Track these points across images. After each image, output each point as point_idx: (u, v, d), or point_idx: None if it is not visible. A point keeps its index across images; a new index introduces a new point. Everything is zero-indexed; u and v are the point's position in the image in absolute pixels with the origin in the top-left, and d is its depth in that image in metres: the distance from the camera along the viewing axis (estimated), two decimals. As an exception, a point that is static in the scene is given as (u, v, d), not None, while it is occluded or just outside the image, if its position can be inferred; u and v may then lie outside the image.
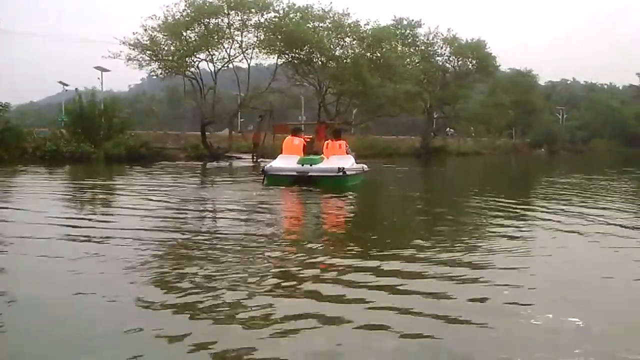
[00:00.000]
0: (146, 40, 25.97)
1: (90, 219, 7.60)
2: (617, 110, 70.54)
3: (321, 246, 5.77)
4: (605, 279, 4.57)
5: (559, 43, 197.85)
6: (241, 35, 27.86)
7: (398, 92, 31.36)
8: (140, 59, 26.10)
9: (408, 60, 36.71)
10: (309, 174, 12.47)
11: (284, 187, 11.89)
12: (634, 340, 3.27)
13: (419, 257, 5.12)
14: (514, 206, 9.40)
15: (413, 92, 33.23)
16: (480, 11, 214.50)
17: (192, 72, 27.43)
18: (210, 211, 8.98)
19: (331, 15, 29.67)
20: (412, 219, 8.71)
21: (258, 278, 4.30)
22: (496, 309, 3.66)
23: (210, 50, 27.06)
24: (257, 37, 28.12)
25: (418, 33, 38.76)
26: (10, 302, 3.73)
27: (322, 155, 13.71)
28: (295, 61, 29.68)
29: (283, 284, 4.20)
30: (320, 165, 12.85)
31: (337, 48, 30.07)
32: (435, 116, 43.62)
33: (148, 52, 25.95)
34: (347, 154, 13.93)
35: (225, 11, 26.88)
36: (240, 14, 27.23)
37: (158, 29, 26.09)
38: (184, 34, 26.36)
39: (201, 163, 23.97)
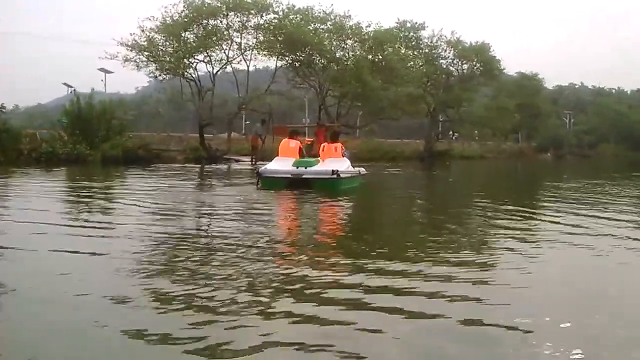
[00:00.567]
0: (144, 42, 25.74)
1: (76, 222, 7.54)
2: (625, 115, 70.11)
3: (315, 251, 5.74)
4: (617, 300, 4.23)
5: (561, 47, 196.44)
6: (240, 37, 27.62)
7: (399, 94, 30.99)
8: (138, 60, 25.84)
9: (412, 63, 36.47)
10: (303, 176, 12.53)
11: (277, 190, 11.89)
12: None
13: (419, 264, 5.04)
14: (517, 213, 9.16)
15: (415, 95, 32.86)
16: (482, 15, 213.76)
17: (190, 73, 27.16)
18: (201, 215, 8.74)
19: (332, 17, 29.39)
20: (409, 223, 8.63)
21: (253, 281, 4.33)
22: (493, 334, 3.33)
23: (208, 51, 26.77)
24: (256, 38, 27.84)
25: (422, 36, 38.31)
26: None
27: (317, 158, 13.68)
28: (296, 63, 29.41)
29: (281, 290, 4.17)
30: (315, 168, 12.91)
31: (338, 50, 29.73)
32: (440, 119, 43.34)
33: (145, 53, 25.67)
34: (343, 156, 13.82)
35: (224, 12, 26.61)
36: (239, 15, 26.97)
37: (156, 30, 25.86)
38: (183, 35, 26.10)
39: (199, 165, 23.74)
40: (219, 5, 26.49)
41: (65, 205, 9.84)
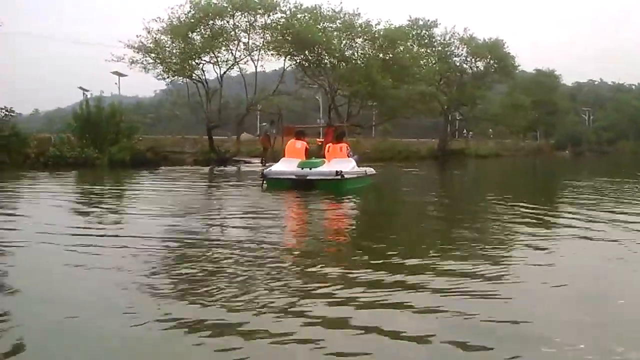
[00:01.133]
0: (150, 43, 25.61)
1: (81, 225, 7.53)
2: (643, 111, 68.91)
3: (325, 254, 5.72)
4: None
5: (564, 48, 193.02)
6: (248, 37, 27.36)
7: (411, 93, 30.55)
8: (145, 62, 25.73)
9: (425, 61, 36.05)
10: (308, 177, 12.52)
11: (282, 191, 11.90)
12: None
13: (434, 268, 4.97)
14: (534, 213, 8.90)
15: (427, 93, 32.37)
16: (496, 10, 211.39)
17: (197, 75, 26.97)
18: (208, 219, 8.53)
19: (341, 16, 29.04)
20: (420, 224, 8.57)
21: (261, 285, 4.31)
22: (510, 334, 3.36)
23: (215, 52, 26.56)
24: (263, 38, 27.58)
25: (434, 33, 37.80)
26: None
27: (323, 159, 13.68)
28: (304, 63, 29.11)
29: (291, 294, 4.13)
30: (319, 169, 12.88)
31: (348, 49, 29.36)
32: (456, 117, 42.81)
33: (152, 55, 25.54)
34: (349, 156, 13.75)
35: (231, 12, 26.38)
36: (246, 15, 26.73)
37: (162, 31, 25.74)
38: (190, 35, 25.92)
39: (208, 167, 23.54)
40: (225, 5, 26.21)
41: (63, 210, 9.61)
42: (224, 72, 27.58)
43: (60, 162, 21.33)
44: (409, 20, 36.86)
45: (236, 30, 26.94)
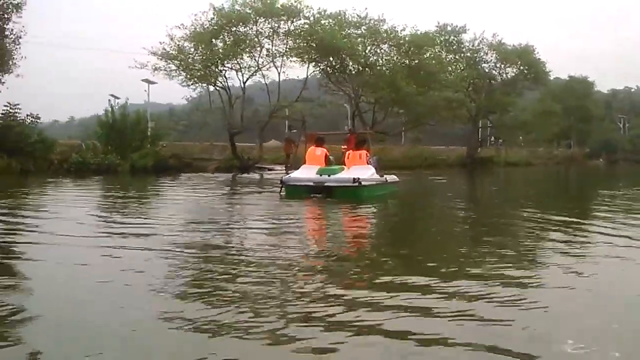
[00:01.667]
0: (173, 50, 25.67)
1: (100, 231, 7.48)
2: (683, 118, 66.86)
3: (350, 265, 5.53)
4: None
5: (564, 45, 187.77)
6: (271, 44, 27.22)
7: (436, 99, 30.06)
8: (167, 69, 25.81)
9: (453, 67, 35.54)
10: (325, 184, 12.54)
11: (300, 198, 11.98)
12: None
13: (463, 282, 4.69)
14: (565, 225, 8.44)
15: (452, 100, 31.80)
16: (527, 17, 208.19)
17: (220, 82, 26.94)
18: (229, 226, 8.40)
19: (367, 22, 28.75)
20: (441, 234, 8.33)
21: (285, 295, 4.24)
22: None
23: (237, 58, 26.51)
24: (286, 44, 27.41)
25: (463, 39, 37.19)
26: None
27: (342, 166, 13.57)
28: (328, 69, 28.88)
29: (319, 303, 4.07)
30: (337, 176, 12.80)
31: (373, 55, 29.02)
32: (482, 125, 42.01)
33: (175, 61, 25.60)
34: (368, 164, 13.59)
35: (254, 18, 26.32)
36: (270, 22, 26.64)
37: (185, 38, 25.80)
38: (213, 41, 25.92)
39: (230, 175, 23.43)
40: (248, 11, 26.16)
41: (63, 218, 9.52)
42: (247, 79, 27.51)
43: (83, 168, 21.52)
44: (437, 26, 36.36)
45: (259, 37, 26.80)
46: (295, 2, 26.51)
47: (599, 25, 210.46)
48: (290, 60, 27.47)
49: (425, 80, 29.09)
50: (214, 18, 25.98)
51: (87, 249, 6.03)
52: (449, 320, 3.62)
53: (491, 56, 38.41)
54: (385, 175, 14.31)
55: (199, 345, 3.21)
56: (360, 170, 13.06)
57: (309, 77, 29.18)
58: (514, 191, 19.85)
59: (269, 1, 26.01)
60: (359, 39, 28.43)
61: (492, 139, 45.08)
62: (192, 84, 26.37)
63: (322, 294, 4.24)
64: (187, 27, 26.00)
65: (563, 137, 55.33)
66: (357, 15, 28.80)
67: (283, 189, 12.87)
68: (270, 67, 27.40)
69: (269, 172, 24.95)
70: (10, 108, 22.57)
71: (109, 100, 24.89)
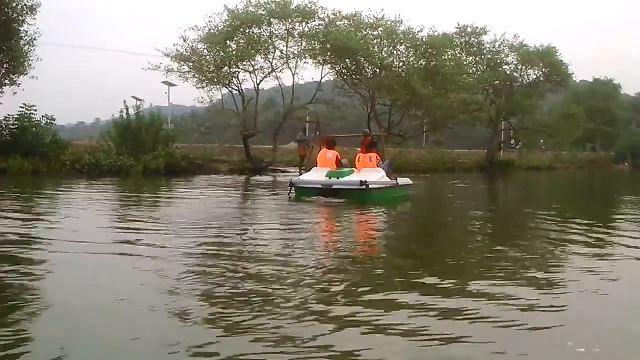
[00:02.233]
0: (187, 52, 25.58)
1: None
2: None
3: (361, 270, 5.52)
4: None
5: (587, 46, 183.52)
6: (286, 45, 26.97)
7: (453, 102, 29.55)
8: (181, 71, 25.74)
9: (473, 69, 34.98)
10: (333, 187, 12.71)
11: (309, 200, 12.35)
12: None
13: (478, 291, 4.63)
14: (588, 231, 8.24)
15: (470, 102, 31.22)
16: (550, 18, 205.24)
17: (234, 84, 26.76)
18: (243, 227, 8.56)
19: (383, 23, 28.37)
20: (455, 240, 8.20)
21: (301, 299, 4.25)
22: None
23: (251, 60, 26.30)
24: (299, 46, 27.16)
25: (483, 41, 36.51)
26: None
27: (352, 169, 13.67)
28: (344, 70, 28.54)
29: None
30: (345, 179, 12.98)
31: (389, 57, 28.60)
32: (503, 128, 41.24)
33: (189, 63, 25.50)
34: (378, 167, 13.61)
35: (268, 20, 26.10)
36: (285, 23, 26.40)
37: (199, 40, 25.70)
38: (228, 43, 25.76)
39: (243, 177, 23.24)
40: (262, 12, 25.95)
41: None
42: (261, 81, 27.31)
43: (95, 170, 21.51)
44: (457, 28, 35.75)
45: (273, 38, 26.58)
46: (309, 3, 26.31)
47: (627, 25, 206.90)
48: (304, 62, 27.18)
49: (443, 83, 28.57)
50: (228, 20, 25.82)
51: (95, 253, 6.06)
52: (469, 323, 3.65)
53: (512, 58, 37.67)
54: (398, 179, 14.25)
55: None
56: (369, 173, 13.09)
57: (324, 79, 28.93)
58: (534, 196, 19.29)
59: (282, 3, 25.77)
60: (375, 41, 28.01)
61: (512, 142, 44.19)
62: (205, 85, 26.13)
63: (339, 294, 4.36)
64: (200, 28, 26.01)
65: (587, 141, 54.22)
66: (374, 17, 28.49)
67: (292, 190, 13.06)
68: (284, 69, 27.16)
69: (283, 174, 24.76)
70: (26, 109, 22.69)
71: (124, 101, 24.73)
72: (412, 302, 4.12)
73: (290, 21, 26.32)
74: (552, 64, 36.93)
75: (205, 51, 25.82)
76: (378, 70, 28.27)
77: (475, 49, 36.22)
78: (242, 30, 25.93)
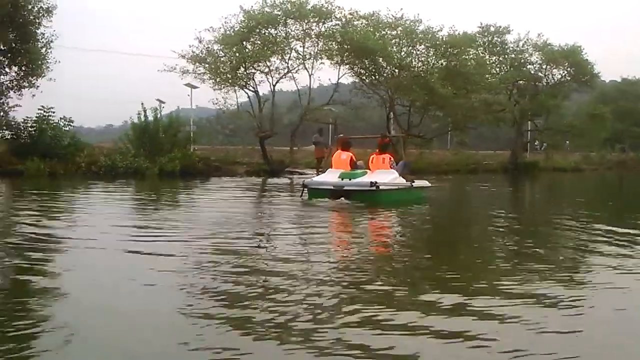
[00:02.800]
0: (202, 53, 25.45)
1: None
2: None
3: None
4: None
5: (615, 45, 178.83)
6: (303, 46, 26.66)
7: (473, 102, 28.94)
8: (196, 72, 25.61)
9: (497, 69, 34.32)
10: (344, 188, 12.75)
11: (320, 200, 12.51)
12: None
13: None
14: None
15: (491, 102, 30.55)
16: (574, 16, 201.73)
17: (250, 85, 26.55)
18: (250, 230, 8.56)
19: (402, 23, 27.92)
20: (475, 245, 8.04)
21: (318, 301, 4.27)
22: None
23: (266, 61, 26.06)
24: (316, 46, 26.80)
25: (506, 40, 35.77)
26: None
27: (366, 170, 13.61)
28: (362, 70, 28.14)
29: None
30: (355, 180, 13.00)
31: (407, 56, 28.10)
32: (529, 129, 40.35)
33: (204, 64, 25.37)
34: (391, 167, 13.72)
35: (283, 20, 25.84)
36: (302, 24, 26.12)
37: (214, 41, 25.53)
38: (244, 44, 25.55)
39: (260, 179, 23.05)
40: (277, 13, 25.69)
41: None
42: (277, 82, 27.01)
43: (111, 171, 21.51)
44: (480, 27, 35.07)
45: (289, 39, 26.30)
46: (326, 3, 25.98)
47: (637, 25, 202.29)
48: (320, 63, 26.83)
49: (463, 82, 27.99)
50: (244, 20, 25.63)
51: (112, 254, 6.20)
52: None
53: (536, 57, 36.83)
54: (415, 180, 14.23)
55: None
56: (381, 174, 13.11)
57: (341, 80, 28.51)
58: (560, 199, 18.60)
59: (298, 3, 25.52)
60: (394, 40, 27.57)
61: (536, 143, 43.25)
62: (222, 87, 25.94)
63: (364, 293, 4.42)
64: (215, 29, 25.83)
65: (616, 141, 52.97)
66: (392, 16, 28.03)
67: (305, 192, 13.29)
68: (299, 69, 26.82)
69: (300, 176, 24.48)
70: (44, 111, 22.82)
71: (142, 103, 24.69)
72: (443, 303, 4.20)
73: (306, 21, 25.97)
74: (577, 63, 36.00)
75: (221, 52, 25.60)
76: (397, 71, 27.76)
77: (498, 48, 35.49)
78: (257, 30, 25.67)
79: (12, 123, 22.96)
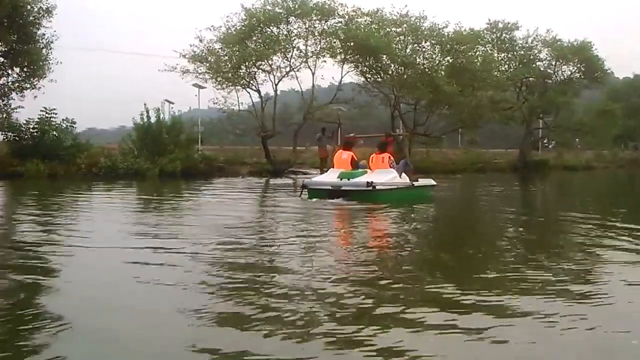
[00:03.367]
0: (203, 52, 25.22)
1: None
2: None
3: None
4: None
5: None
6: (306, 44, 26.34)
7: (479, 99, 28.48)
8: (197, 72, 25.41)
9: (505, 66, 33.83)
10: (342, 188, 12.82)
11: (319, 200, 12.39)
12: None
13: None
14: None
15: (497, 100, 30.06)
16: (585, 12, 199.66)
17: (252, 84, 26.25)
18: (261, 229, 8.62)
19: (407, 19, 27.54)
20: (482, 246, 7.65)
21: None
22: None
23: (268, 60, 25.77)
24: (319, 43, 26.45)
25: (515, 36, 35.21)
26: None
27: (365, 169, 13.68)
28: (365, 68, 27.77)
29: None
30: (354, 180, 13.00)
31: (412, 54, 27.69)
32: (540, 127, 39.78)
33: (205, 64, 25.15)
34: (391, 167, 13.56)
35: (285, 18, 25.56)
36: (305, 21, 25.81)
37: (216, 40, 25.34)
38: (246, 42, 25.29)
39: (263, 179, 22.76)
40: (279, 10, 25.41)
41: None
42: (279, 80, 26.70)
43: (112, 173, 21.33)
44: (488, 23, 34.55)
45: (291, 37, 26.00)
46: (328, 0, 25.64)
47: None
48: (323, 61, 26.48)
49: (470, 80, 27.54)
50: (245, 19, 25.36)
51: (114, 255, 6.13)
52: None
53: (545, 54, 36.24)
54: (419, 179, 14.27)
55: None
56: (379, 174, 13.07)
57: (344, 80, 28.17)
58: (566, 198, 18.10)
59: (299, 0, 25.27)
60: (399, 37, 27.20)
61: (545, 141, 42.67)
62: (224, 87, 25.68)
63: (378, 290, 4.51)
64: (217, 28, 25.59)
65: (628, 139, 52.24)
66: (397, 13, 27.66)
67: (304, 191, 13.33)
68: (302, 67, 26.49)
69: (303, 176, 24.16)
70: (47, 112, 22.69)
71: (144, 104, 24.49)
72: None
73: (309, 19, 25.67)
74: (587, 59, 35.44)
75: (222, 51, 25.36)
76: (402, 68, 27.35)
77: (507, 45, 34.95)
78: (259, 29, 25.41)
79: (15, 124, 22.84)
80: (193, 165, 23.38)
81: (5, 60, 22.46)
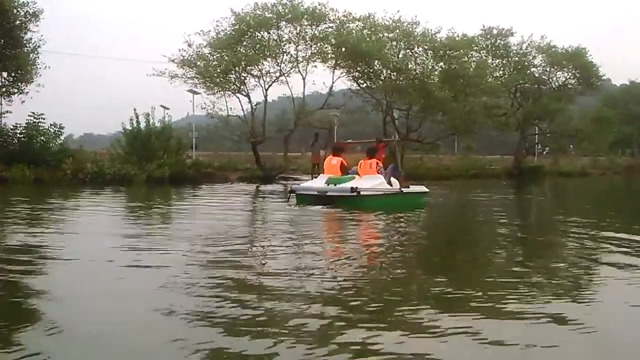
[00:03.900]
0: (192, 57, 24.99)
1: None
2: None
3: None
4: None
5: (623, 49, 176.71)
6: (296, 49, 26.15)
7: (472, 105, 28.27)
8: (185, 77, 25.16)
9: (500, 72, 33.68)
10: (327, 193, 12.73)
11: (306, 206, 12.25)
12: None
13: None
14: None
15: (490, 106, 29.84)
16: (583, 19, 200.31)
17: (242, 89, 26.00)
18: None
19: (399, 25, 27.35)
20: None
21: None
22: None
23: (259, 65, 25.54)
24: (309, 48, 26.30)
25: (509, 43, 35.05)
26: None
27: (354, 175, 13.54)
28: (357, 74, 27.56)
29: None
30: (340, 185, 12.91)
31: (405, 59, 27.48)
32: (536, 133, 39.58)
33: (195, 68, 24.91)
34: (379, 172, 13.41)
35: (276, 23, 25.35)
36: (297, 26, 25.60)
37: (205, 45, 25.13)
38: (236, 47, 25.05)
39: (253, 185, 22.43)
40: (269, 15, 25.20)
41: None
42: (269, 86, 26.49)
43: (98, 178, 21.02)
44: (482, 29, 34.39)
45: (281, 42, 25.78)
46: (319, 5, 25.50)
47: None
48: (314, 66, 26.27)
49: (462, 86, 27.33)
50: (235, 23, 25.14)
51: (102, 262, 6.02)
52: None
53: (540, 60, 36.10)
54: (411, 186, 14.09)
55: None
56: (366, 180, 12.96)
57: (335, 86, 27.97)
58: (567, 206, 17.77)
59: (289, 4, 25.05)
60: (391, 43, 27.03)
61: (539, 147, 42.50)
62: (215, 92, 25.44)
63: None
64: (206, 33, 25.36)
65: (625, 146, 52.16)
66: (390, 18, 27.49)
67: (291, 197, 13.27)
68: (292, 72, 26.28)
69: (294, 182, 23.86)
70: (34, 117, 22.39)
71: (134, 109, 24.19)
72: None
73: (299, 24, 25.47)
74: (581, 65, 35.33)
75: (211, 56, 25.13)
76: (395, 74, 27.13)
77: (501, 51, 34.79)
78: (249, 33, 25.19)
79: (2, 129, 22.55)
80: (182, 171, 23.02)
81: (-8, 65, 22.22)
